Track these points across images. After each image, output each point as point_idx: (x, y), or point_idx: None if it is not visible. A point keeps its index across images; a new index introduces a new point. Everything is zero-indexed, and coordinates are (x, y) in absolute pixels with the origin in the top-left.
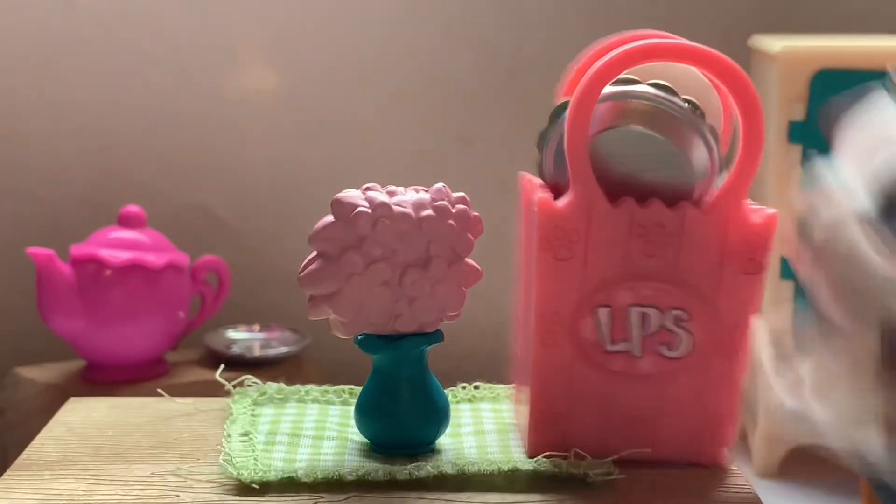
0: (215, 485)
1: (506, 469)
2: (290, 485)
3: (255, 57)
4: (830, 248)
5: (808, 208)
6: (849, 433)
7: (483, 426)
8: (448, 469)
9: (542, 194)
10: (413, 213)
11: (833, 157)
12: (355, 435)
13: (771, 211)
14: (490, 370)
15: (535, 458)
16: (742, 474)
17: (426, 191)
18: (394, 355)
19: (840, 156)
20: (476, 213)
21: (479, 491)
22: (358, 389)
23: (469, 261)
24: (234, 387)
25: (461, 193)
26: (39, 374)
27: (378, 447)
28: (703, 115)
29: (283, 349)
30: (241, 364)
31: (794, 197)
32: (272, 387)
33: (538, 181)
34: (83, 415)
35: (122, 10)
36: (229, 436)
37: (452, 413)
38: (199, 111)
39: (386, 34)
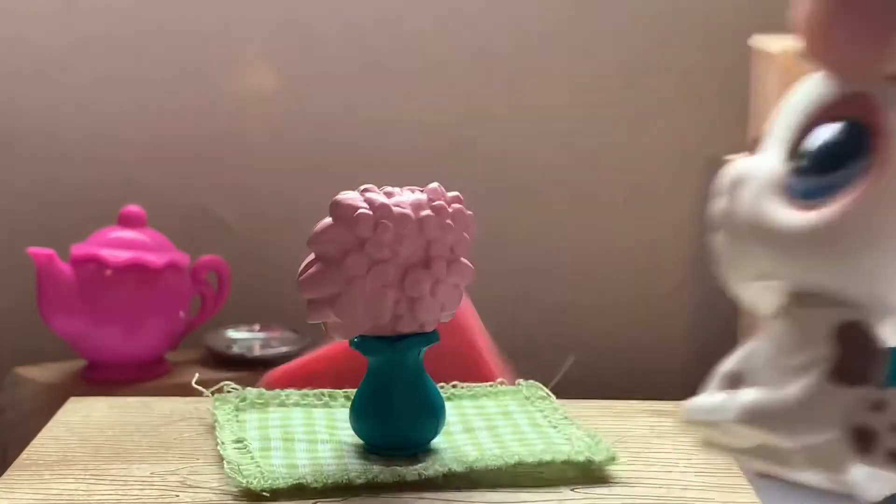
0: (216, 485)
1: (511, 463)
2: (297, 490)
3: (256, 57)
4: (733, 208)
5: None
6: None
7: (472, 424)
8: (456, 467)
9: None
10: (413, 214)
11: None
12: (347, 437)
13: None
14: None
15: (537, 450)
16: (742, 474)
17: (422, 190)
18: (392, 356)
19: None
20: (470, 212)
21: (486, 488)
22: (337, 392)
23: (464, 260)
24: (213, 393)
25: (456, 193)
26: (39, 374)
27: (375, 448)
28: None
29: (283, 349)
30: (241, 364)
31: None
32: (252, 392)
33: None
34: (83, 415)
35: (123, 10)
36: (223, 443)
37: None
38: (200, 112)
39: (386, 34)
